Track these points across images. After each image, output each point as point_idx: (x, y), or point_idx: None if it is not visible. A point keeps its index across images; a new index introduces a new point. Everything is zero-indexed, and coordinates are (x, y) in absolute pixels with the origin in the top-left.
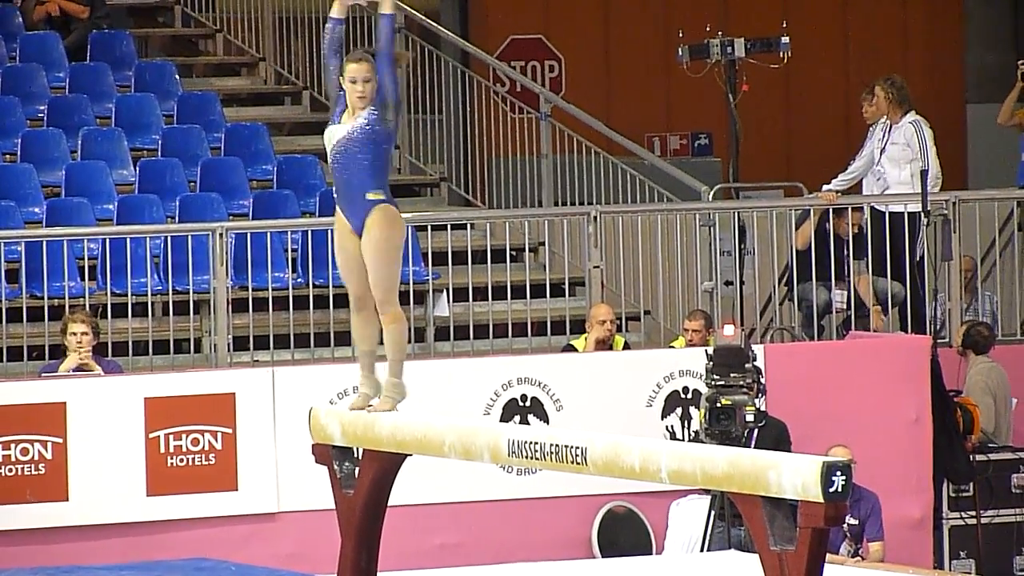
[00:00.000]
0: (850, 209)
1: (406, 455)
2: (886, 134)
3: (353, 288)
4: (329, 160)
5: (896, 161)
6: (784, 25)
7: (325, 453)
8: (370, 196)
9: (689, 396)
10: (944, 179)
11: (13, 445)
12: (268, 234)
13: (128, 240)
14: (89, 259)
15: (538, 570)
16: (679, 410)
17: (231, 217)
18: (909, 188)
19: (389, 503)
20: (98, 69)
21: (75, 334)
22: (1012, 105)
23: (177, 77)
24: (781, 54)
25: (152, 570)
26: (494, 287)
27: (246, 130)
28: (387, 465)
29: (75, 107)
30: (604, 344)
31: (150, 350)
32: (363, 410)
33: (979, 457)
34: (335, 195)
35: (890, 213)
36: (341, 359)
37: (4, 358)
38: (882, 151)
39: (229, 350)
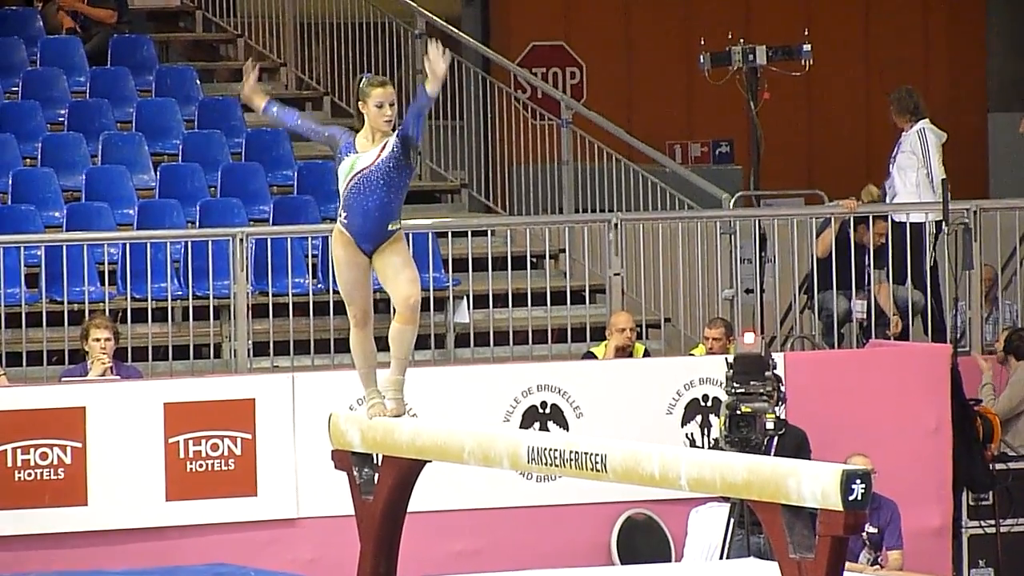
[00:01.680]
0: (872, 218)
1: (425, 461)
2: (899, 143)
3: (361, 304)
4: (348, 185)
5: (903, 169)
6: (806, 33)
7: (345, 459)
8: (392, 227)
9: (709, 404)
10: (966, 188)
11: (33, 449)
12: (288, 239)
13: (148, 245)
14: (109, 264)
15: None
16: (699, 418)
17: (251, 222)
18: (915, 196)
19: (408, 509)
20: (119, 73)
21: (99, 340)
22: None
23: (198, 82)
24: (803, 62)
25: (171, 575)
26: (514, 294)
27: (267, 135)
28: (406, 471)
29: (96, 111)
30: (623, 352)
31: (170, 355)
32: (383, 417)
33: (999, 466)
34: (344, 217)
35: (906, 223)
36: None
37: (24, 362)
38: (893, 160)
39: (249, 355)
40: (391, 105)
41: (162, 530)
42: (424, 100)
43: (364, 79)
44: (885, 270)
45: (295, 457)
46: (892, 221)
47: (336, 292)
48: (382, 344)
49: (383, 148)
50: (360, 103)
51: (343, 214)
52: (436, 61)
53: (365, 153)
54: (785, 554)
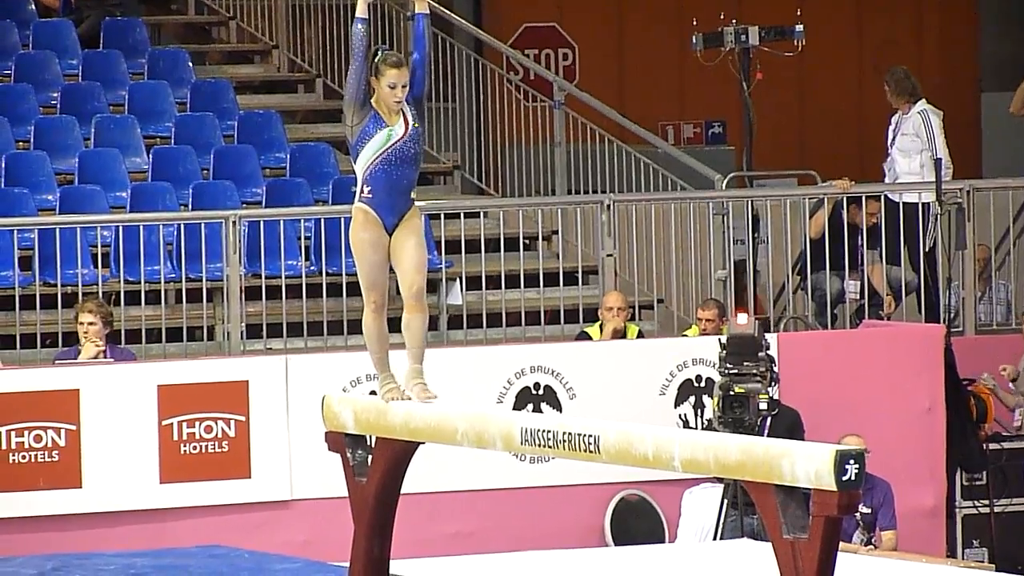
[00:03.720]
0: (865, 199)
1: (419, 443)
2: (898, 125)
3: (383, 287)
4: (377, 158)
5: (906, 152)
6: (798, 13)
7: (338, 441)
8: (413, 195)
9: (702, 384)
10: (959, 168)
11: (27, 432)
12: (281, 222)
13: (141, 228)
14: (102, 247)
15: (551, 558)
16: (692, 398)
17: (244, 205)
18: (919, 178)
19: (402, 491)
20: (111, 56)
21: (82, 324)
22: None
23: (190, 65)
24: (795, 42)
25: (165, 557)
26: (507, 275)
27: (259, 118)
28: (400, 453)
29: (88, 94)
30: (618, 334)
31: (163, 338)
32: (400, 400)
33: (992, 446)
34: (368, 193)
35: (904, 203)
36: (354, 347)
37: (18, 345)
38: (892, 142)
39: (242, 338)
40: (403, 87)
41: (156, 512)
42: (421, 25)
43: (380, 53)
44: (878, 250)
45: (288, 439)
46: (888, 201)
47: (329, 274)
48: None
49: (406, 119)
50: (372, 77)
51: (366, 189)
52: None
53: (395, 126)
54: (779, 535)
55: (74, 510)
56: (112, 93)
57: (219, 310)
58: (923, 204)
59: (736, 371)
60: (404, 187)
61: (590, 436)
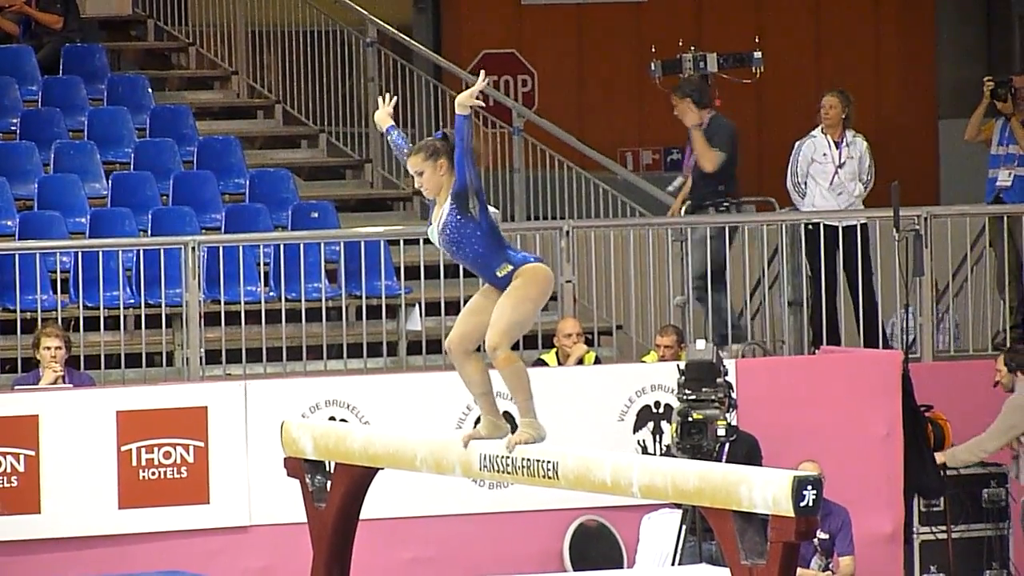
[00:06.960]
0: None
1: (378, 469)
2: (834, 150)
3: (458, 328)
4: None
5: (854, 175)
6: (757, 40)
7: (297, 467)
8: (500, 273)
9: (661, 411)
10: (917, 194)
11: None
12: (240, 248)
13: (100, 253)
14: (62, 272)
15: None
16: (651, 424)
17: (203, 231)
18: (832, 199)
19: (361, 517)
20: (71, 82)
21: (49, 348)
22: (979, 121)
23: (150, 90)
24: (754, 69)
25: None
26: (466, 301)
27: (219, 144)
28: (359, 479)
29: (48, 120)
30: (579, 361)
31: (122, 363)
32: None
33: (950, 472)
34: None
35: (843, 227)
36: (313, 373)
37: None
38: (840, 166)
39: (201, 363)
40: (419, 174)
41: (115, 538)
42: (462, 131)
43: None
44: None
45: (247, 465)
46: (827, 227)
47: (288, 300)
48: None
49: (443, 209)
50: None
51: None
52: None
53: (434, 222)
54: (737, 560)
55: (33, 535)
56: (72, 119)
57: (178, 336)
58: (861, 226)
59: (694, 397)
60: (479, 267)
61: (549, 462)
